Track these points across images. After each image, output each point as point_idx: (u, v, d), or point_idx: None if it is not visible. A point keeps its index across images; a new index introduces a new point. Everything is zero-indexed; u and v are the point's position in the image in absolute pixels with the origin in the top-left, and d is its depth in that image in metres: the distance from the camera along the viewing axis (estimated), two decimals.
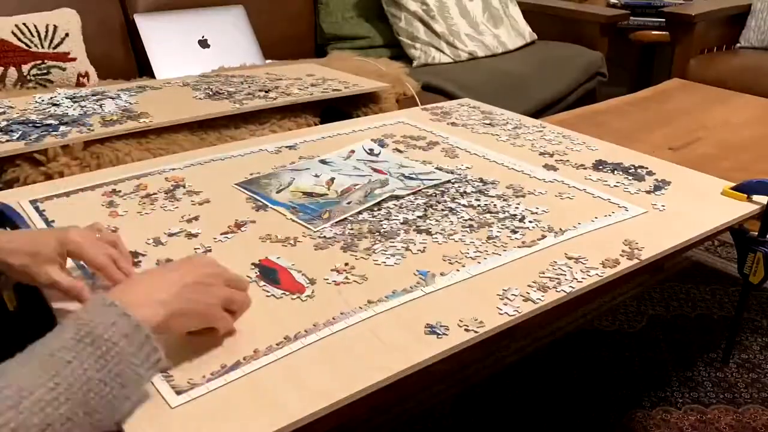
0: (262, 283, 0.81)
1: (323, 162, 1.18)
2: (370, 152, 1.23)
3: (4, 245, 0.73)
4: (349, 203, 1.02)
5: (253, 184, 1.09)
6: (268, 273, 0.83)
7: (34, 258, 0.73)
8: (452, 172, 1.15)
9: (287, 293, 0.79)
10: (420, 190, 1.07)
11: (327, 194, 1.05)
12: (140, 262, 0.86)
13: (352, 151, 1.23)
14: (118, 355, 0.56)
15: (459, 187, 1.09)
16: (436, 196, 1.06)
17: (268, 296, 0.78)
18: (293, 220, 0.97)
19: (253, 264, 0.85)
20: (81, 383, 0.54)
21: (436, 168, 1.17)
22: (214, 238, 0.92)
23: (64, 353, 0.54)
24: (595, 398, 1.26)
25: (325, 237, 0.92)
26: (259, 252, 0.88)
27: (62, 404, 0.52)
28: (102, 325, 0.57)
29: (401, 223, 0.96)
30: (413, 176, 1.12)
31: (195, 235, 0.92)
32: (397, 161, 1.19)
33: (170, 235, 0.92)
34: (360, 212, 0.99)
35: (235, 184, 1.08)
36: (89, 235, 0.77)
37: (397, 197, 1.04)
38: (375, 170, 1.14)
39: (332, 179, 1.10)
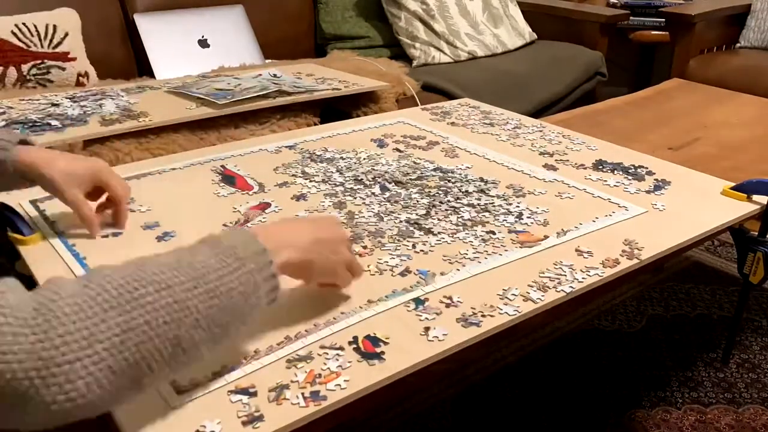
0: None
1: (236, 78, 1.66)
2: (274, 76, 1.70)
3: (43, 158, 0.86)
4: (246, 89, 1.53)
5: (182, 87, 1.58)
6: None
7: (68, 176, 0.86)
8: (452, 172, 1.15)
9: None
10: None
11: (232, 90, 1.53)
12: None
13: (260, 74, 1.72)
14: (234, 254, 0.61)
15: (461, 186, 1.09)
16: (439, 195, 1.06)
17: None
18: (201, 97, 1.49)
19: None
20: (197, 268, 0.59)
21: (436, 167, 1.17)
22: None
23: (186, 250, 0.61)
24: (595, 398, 1.26)
25: None
26: None
27: (181, 275, 0.57)
28: (225, 235, 0.64)
29: (404, 221, 0.96)
30: (302, 87, 1.60)
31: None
32: (294, 81, 1.67)
33: (166, 234, 0.93)
34: (252, 98, 1.49)
35: (168, 90, 1.59)
36: (116, 173, 0.93)
37: (285, 93, 1.54)
38: (274, 83, 1.60)
39: (239, 84, 1.58)
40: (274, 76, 1.68)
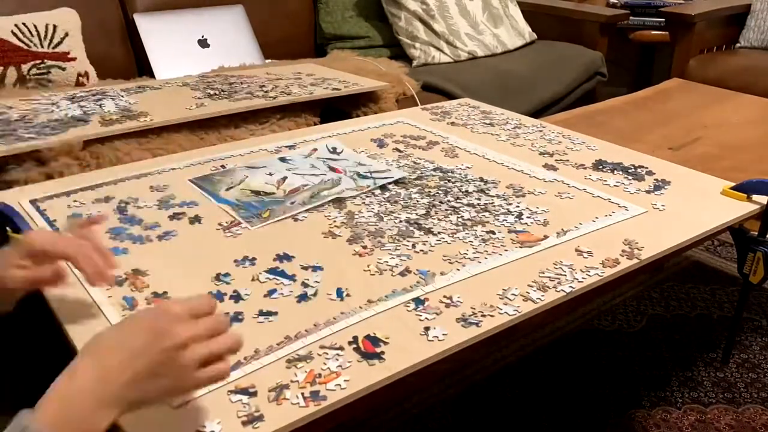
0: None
1: (282, 160, 1.19)
2: (333, 151, 1.24)
3: None
4: (293, 203, 1.03)
5: (206, 181, 1.10)
6: None
7: None
8: (452, 171, 1.15)
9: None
10: (372, 189, 1.07)
11: (274, 193, 1.06)
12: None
13: (315, 149, 1.24)
14: None
15: (461, 186, 1.09)
16: (439, 195, 1.06)
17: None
18: (233, 216, 0.98)
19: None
20: None
21: (436, 167, 1.17)
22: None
23: None
24: (595, 398, 1.26)
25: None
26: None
27: None
28: None
29: (403, 221, 0.96)
30: (367, 175, 1.13)
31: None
32: (357, 159, 1.20)
33: (167, 233, 0.93)
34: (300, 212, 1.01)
35: (189, 180, 1.10)
36: (51, 233, 0.75)
37: (341, 199, 1.04)
38: (332, 168, 1.16)
39: (284, 178, 1.11)
40: (333, 150, 1.24)
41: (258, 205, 1.02)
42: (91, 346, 0.55)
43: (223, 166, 1.16)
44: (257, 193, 1.06)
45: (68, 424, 0.50)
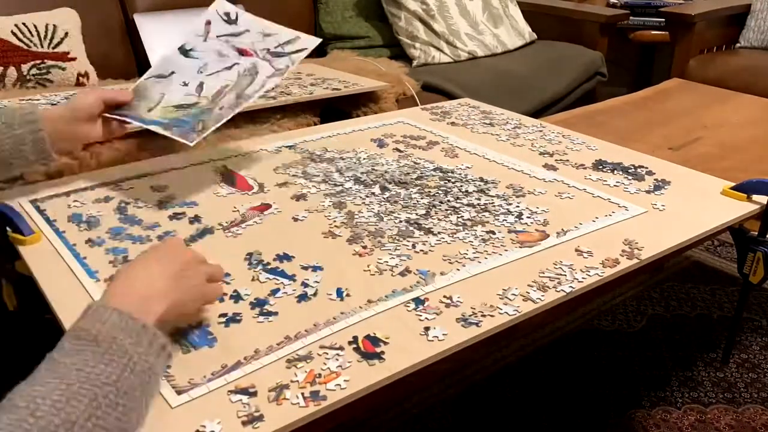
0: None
1: (184, 53, 1.12)
2: (228, 18, 1.15)
3: (45, 113, 0.97)
4: (221, 109, 1.00)
5: (124, 109, 1.08)
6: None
7: (74, 114, 1.01)
8: (452, 171, 1.15)
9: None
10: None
11: (198, 103, 1.04)
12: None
13: (208, 22, 1.15)
14: (120, 348, 0.57)
15: (461, 186, 1.09)
16: (439, 195, 1.06)
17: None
18: (167, 135, 1.00)
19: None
20: (92, 381, 0.54)
21: (436, 167, 1.17)
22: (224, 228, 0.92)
23: (67, 359, 0.55)
24: (595, 398, 1.26)
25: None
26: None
27: (80, 402, 0.52)
28: (97, 324, 0.58)
29: (403, 221, 0.96)
30: (280, 51, 1.08)
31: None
32: (259, 28, 1.13)
33: (162, 236, 0.93)
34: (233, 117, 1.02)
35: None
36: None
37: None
38: (240, 51, 1.10)
39: (200, 84, 1.08)
40: (228, 17, 1.15)
41: (188, 119, 1.01)
42: (134, 263, 0.70)
43: (224, 167, 1.16)
44: (180, 107, 1.05)
45: (129, 306, 0.61)
